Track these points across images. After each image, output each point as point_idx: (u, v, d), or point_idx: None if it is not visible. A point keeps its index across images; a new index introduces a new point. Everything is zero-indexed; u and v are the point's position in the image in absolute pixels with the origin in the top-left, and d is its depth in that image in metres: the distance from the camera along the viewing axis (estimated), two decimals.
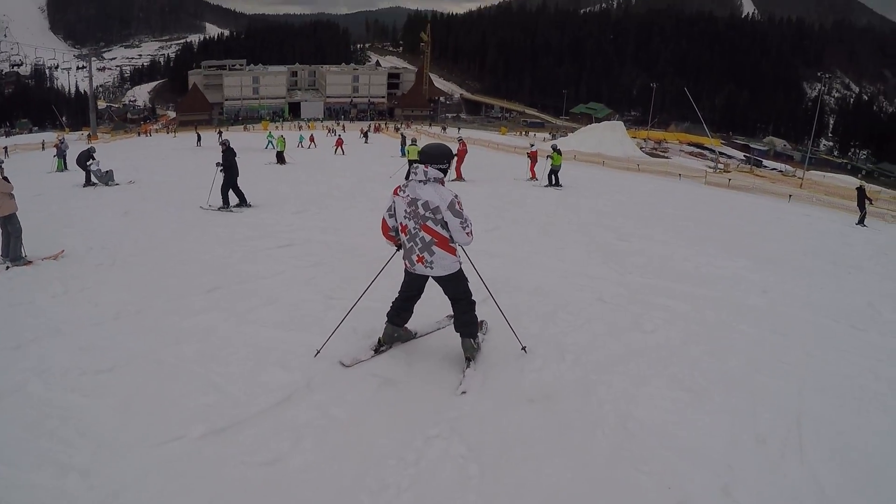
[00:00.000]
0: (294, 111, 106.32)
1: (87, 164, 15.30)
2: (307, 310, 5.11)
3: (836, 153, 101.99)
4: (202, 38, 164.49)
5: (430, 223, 3.83)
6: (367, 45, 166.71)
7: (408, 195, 3.87)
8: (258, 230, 8.94)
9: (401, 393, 3.68)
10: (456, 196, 3.83)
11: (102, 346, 4.27)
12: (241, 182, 11.22)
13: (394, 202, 3.98)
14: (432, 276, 4.00)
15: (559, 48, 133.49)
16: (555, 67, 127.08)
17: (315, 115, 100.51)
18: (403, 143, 28.10)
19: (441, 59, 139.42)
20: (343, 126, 73.24)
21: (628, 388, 3.78)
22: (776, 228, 12.82)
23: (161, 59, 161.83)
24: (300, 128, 59.26)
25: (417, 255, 3.91)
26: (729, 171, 42.70)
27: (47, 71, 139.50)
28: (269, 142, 32.60)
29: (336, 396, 3.60)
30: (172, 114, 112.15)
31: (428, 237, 3.86)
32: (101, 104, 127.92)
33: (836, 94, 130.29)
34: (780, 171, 49.34)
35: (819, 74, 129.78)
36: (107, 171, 15.64)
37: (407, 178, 17.07)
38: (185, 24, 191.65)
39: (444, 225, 3.83)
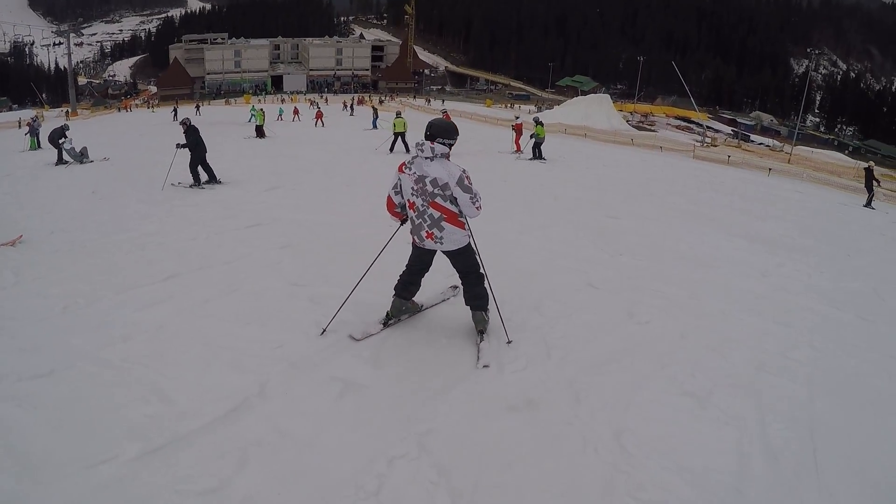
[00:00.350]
0: (277, 85, 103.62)
1: (60, 141, 14.51)
2: (268, 300, 4.62)
3: (822, 129, 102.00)
4: (183, 13, 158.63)
5: (438, 199, 3.78)
6: (350, 19, 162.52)
7: (414, 172, 3.80)
8: (227, 209, 8.39)
9: (364, 400, 3.22)
10: (464, 171, 3.77)
11: (44, 346, 3.77)
12: (221, 158, 10.61)
13: (399, 179, 3.90)
14: (441, 251, 3.98)
15: (545, 21, 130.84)
16: (540, 40, 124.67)
17: (298, 88, 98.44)
18: (375, 116, 28.98)
19: (426, 32, 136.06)
20: (326, 99, 72.09)
21: (623, 392, 3.35)
22: (769, 206, 12.51)
23: (142, 34, 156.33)
24: (282, 101, 57.94)
25: (427, 232, 3.88)
26: (716, 146, 42.52)
27: (26, 48, 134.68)
28: (252, 115, 31.53)
29: (291, 406, 3.14)
30: (154, 89, 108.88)
31: (437, 214, 3.82)
32: (82, 80, 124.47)
33: (824, 71, 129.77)
34: (768, 147, 49.20)
35: (808, 51, 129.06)
36: (81, 150, 14.84)
37: (391, 150, 15.75)
38: None
39: (453, 200, 3.79)
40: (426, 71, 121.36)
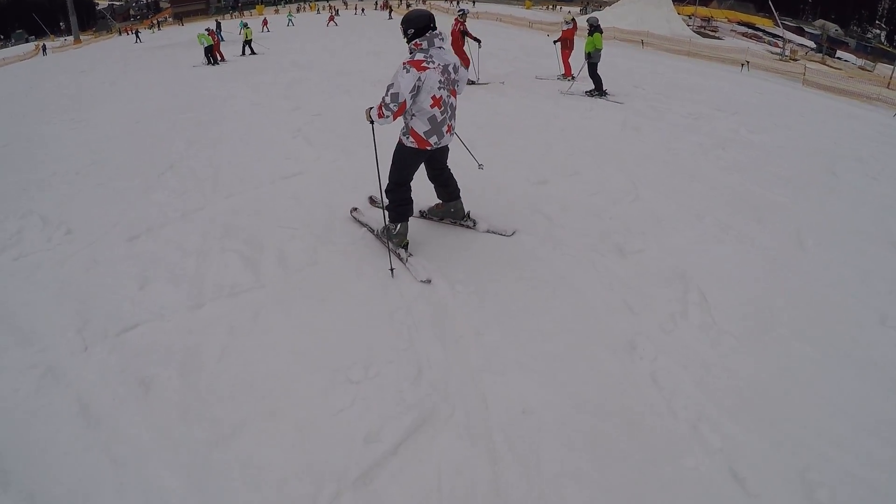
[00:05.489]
0: None
1: None
2: None
3: (883, 41, 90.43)
4: None
5: (455, 86, 3.91)
6: None
7: (438, 64, 3.72)
8: None
9: None
10: None
11: None
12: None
13: (420, 77, 3.64)
14: (445, 145, 4.09)
15: None
16: None
17: None
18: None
19: None
20: (346, 5, 67.15)
21: None
22: None
23: None
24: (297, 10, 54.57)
25: (448, 125, 3.95)
26: (796, 59, 36.29)
27: None
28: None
29: None
30: None
31: (454, 101, 3.96)
32: (103, 3, 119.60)
33: None
34: (860, 67, 41.92)
35: None
36: None
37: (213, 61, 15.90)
38: None
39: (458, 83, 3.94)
40: None
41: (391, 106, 3.67)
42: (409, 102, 3.68)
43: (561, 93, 11.44)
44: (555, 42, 13.30)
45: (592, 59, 11.06)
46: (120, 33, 63.50)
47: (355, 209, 5.05)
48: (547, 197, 5.57)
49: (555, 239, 4.70)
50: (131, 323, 3.81)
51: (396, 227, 4.18)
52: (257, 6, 73.97)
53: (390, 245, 4.26)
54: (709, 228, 5.05)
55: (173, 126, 9.71)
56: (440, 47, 3.73)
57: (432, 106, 3.76)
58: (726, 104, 11.30)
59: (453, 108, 3.93)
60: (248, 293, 4.02)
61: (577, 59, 12.55)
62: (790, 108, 11.94)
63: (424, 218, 4.85)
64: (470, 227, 4.68)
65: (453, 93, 3.89)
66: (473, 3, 64.19)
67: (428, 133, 3.85)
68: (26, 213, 5.91)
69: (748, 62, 19.22)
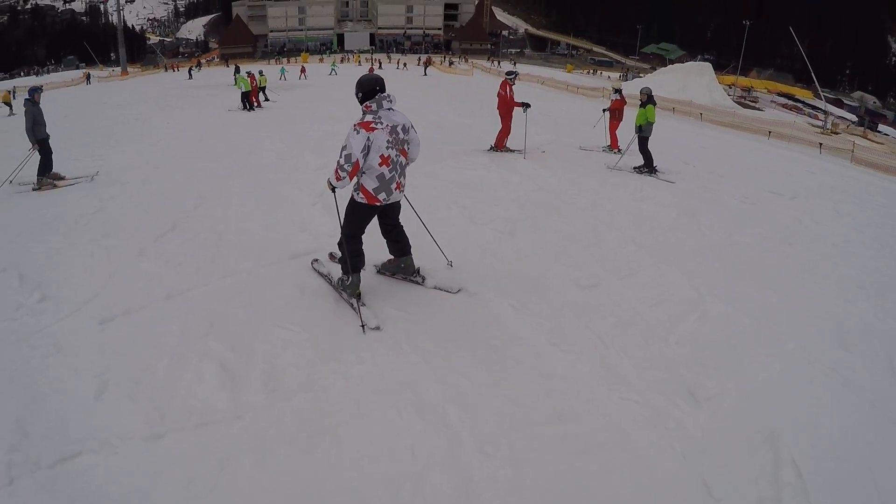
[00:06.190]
0: (343, 43, 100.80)
1: None
2: None
3: None
4: None
5: (405, 146, 4.14)
6: None
7: (387, 125, 3.97)
8: None
9: None
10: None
11: None
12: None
13: (369, 138, 3.91)
14: (394, 201, 4.23)
15: None
16: (624, 4, 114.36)
17: (360, 46, 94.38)
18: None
19: None
20: (390, 59, 68.56)
21: None
22: None
23: None
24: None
25: (397, 182, 4.12)
26: (837, 132, 35.19)
27: (101, 6, 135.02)
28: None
29: None
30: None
31: (404, 160, 4.17)
32: (153, 39, 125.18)
33: None
34: None
35: None
36: None
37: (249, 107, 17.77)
38: None
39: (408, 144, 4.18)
40: (504, 32, 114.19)
41: (345, 167, 3.92)
42: (361, 161, 3.91)
43: (608, 167, 10.58)
44: (604, 111, 12.64)
45: (644, 133, 10.23)
46: (166, 69, 65.66)
47: (316, 260, 5.09)
48: (599, 307, 4.69)
49: (612, 372, 3.78)
50: (72, 451, 3.02)
51: (349, 278, 4.28)
52: (302, 54, 76.07)
53: (344, 295, 4.39)
54: (793, 359, 4.11)
55: (190, 176, 9.18)
56: (389, 109, 4.01)
57: (380, 164, 3.98)
58: (781, 186, 10.45)
59: (402, 167, 4.15)
60: (220, 425, 3.17)
61: (624, 131, 11.89)
62: (846, 191, 11.06)
63: (379, 273, 4.90)
64: (419, 283, 4.73)
65: (403, 152, 4.11)
66: (514, 63, 65.11)
67: (377, 190, 4.05)
68: (6, 268, 5.32)
69: (822, 144, 17.91)
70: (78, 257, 5.56)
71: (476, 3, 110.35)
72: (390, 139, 3.96)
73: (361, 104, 4.03)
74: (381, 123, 3.92)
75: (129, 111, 20.24)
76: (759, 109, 44.68)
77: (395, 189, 4.10)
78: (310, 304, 4.52)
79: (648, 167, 10.22)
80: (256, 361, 3.73)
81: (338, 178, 3.97)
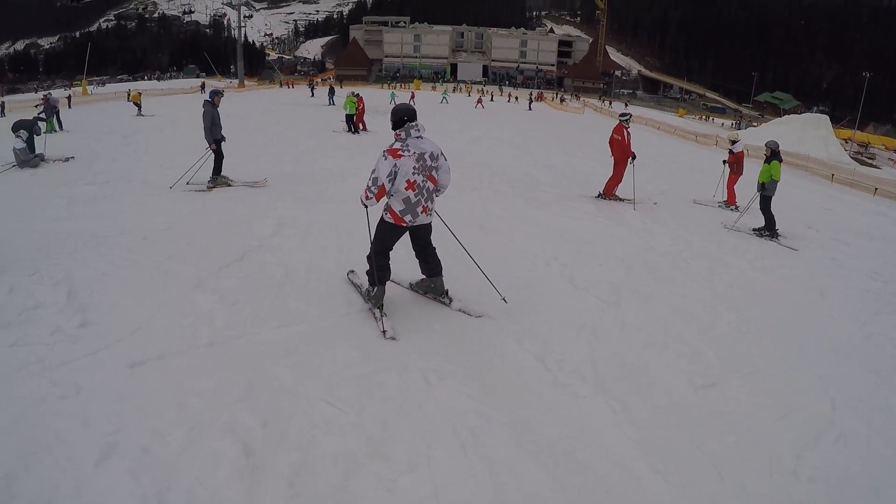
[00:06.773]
0: (456, 72, 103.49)
1: (18, 135, 11.46)
2: None
3: None
4: None
5: (433, 172, 4.30)
6: (543, 14, 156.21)
7: (414, 152, 4.18)
8: None
9: None
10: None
11: None
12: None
13: (396, 164, 4.13)
14: (422, 223, 4.40)
15: (745, 29, 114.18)
16: (739, 50, 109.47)
17: (473, 77, 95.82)
18: (331, 94, 36.83)
19: (619, 34, 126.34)
20: (502, 91, 70.19)
21: None
22: None
23: (336, 15, 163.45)
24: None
25: (423, 206, 4.31)
26: None
27: (224, 20, 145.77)
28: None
29: None
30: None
31: (431, 186, 4.33)
32: (273, 55, 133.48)
33: None
34: None
35: None
36: (35, 155, 11.60)
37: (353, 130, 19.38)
38: None
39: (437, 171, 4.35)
40: (617, 73, 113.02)
41: (373, 189, 4.20)
42: (387, 186, 4.17)
43: (725, 227, 9.36)
44: (724, 162, 11.39)
45: (767, 192, 8.97)
46: (280, 85, 69.21)
47: (352, 272, 5.34)
48: (713, 416, 3.66)
49: None
50: None
51: (374, 289, 4.51)
52: (415, 80, 77.98)
53: (369, 304, 4.60)
54: None
55: (274, 199, 8.91)
56: (418, 137, 4.23)
57: (406, 188, 4.20)
58: None
59: (430, 192, 4.33)
60: None
61: (742, 188, 10.63)
62: None
63: (412, 290, 5.08)
64: (445, 304, 4.82)
65: (431, 178, 4.30)
66: (626, 104, 63.46)
67: (403, 212, 4.28)
68: (60, 281, 5.05)
69: None
70: (133, 280, 5.21)
71: (590, 41, 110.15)
72: (416, 165, 4.16)
73: (393, 131, 4.25)
74: (409, 151, 4.16)
75: (236, 124, 20.79)
76: (876, 167, 40.41)
77: (422, 212, 4.31)
78: (368, 375, 3.80)
79: (770, 230, 8.95)
80: (288, 448, 3.04)
81: (366, 198, 4.25)
